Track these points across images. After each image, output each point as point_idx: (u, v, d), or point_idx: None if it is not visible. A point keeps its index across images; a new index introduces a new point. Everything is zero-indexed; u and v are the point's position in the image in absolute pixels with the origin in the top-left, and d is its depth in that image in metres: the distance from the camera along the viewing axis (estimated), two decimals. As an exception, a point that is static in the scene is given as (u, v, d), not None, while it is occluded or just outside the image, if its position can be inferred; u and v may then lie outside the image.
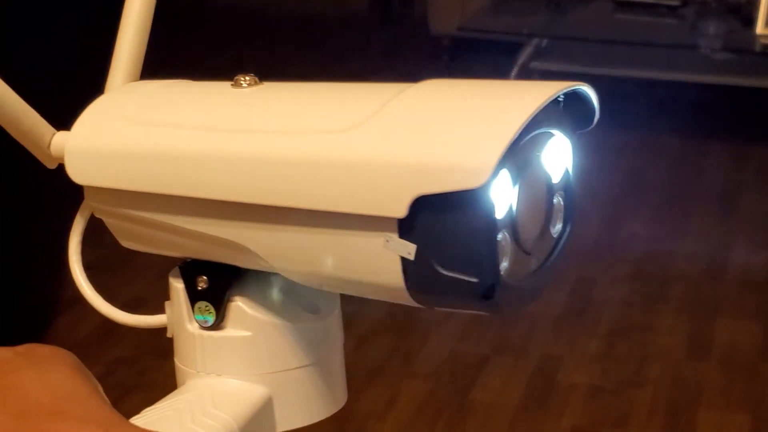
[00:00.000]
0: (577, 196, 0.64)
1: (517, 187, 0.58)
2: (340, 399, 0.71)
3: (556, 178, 0.63)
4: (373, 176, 0.57)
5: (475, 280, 0.56)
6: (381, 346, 2.28)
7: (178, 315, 0.69)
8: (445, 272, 0.56)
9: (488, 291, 0.57)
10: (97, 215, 0.69)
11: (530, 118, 0.56)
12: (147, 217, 0.66)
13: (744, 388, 2.13)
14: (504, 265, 0.58)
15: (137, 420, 0.64)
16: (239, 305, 0.67)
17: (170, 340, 0.72)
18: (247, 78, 0.67)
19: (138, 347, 2.23)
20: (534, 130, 0.58)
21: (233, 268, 0.67)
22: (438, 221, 0.56)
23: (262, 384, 0.67)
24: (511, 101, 0.59)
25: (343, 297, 0.71)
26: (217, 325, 0.67)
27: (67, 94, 1.70)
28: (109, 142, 0.66)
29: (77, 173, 0.67)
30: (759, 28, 3.22)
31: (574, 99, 0.61)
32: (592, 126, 0.63)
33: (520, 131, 0.55)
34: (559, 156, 0.62)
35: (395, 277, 0.58)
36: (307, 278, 0.64)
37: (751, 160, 3.16)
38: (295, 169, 0.59)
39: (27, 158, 0.74)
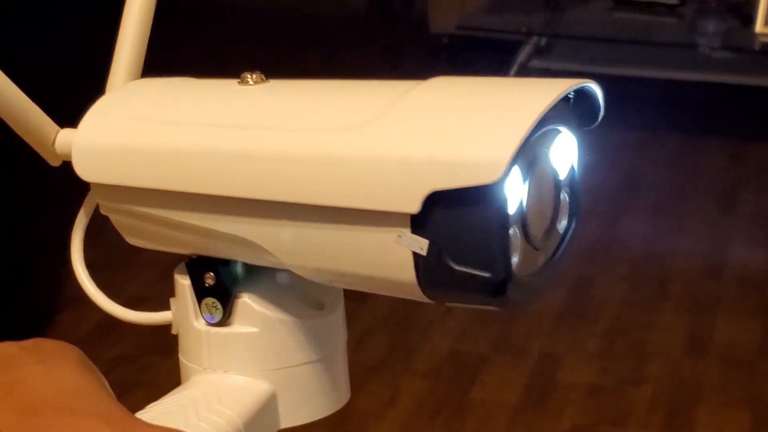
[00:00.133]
0: (583, 192, 0.65)
1: (527, 182, 0.59)
2: (344, 396, 0.71)
3: (562, 174, 0.63)
4: (387, 172, 0.57)
5: (487, 275, 0.57)
6: (380, 344, 2.28)
7: (184, 311, 0.69)
8: (457, 267, 0.57)
9: (500, 286, 0.57)
10: (104, 212, 0.69)
11: (543, 115, 0.56)
12: (156, 214, 0.66)
13: (743, 386, 2.14)
14: (514, 260, 0.58)
15: (142, 415, 0.64)
16: (246, 301, 0.67)
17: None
18: (254, 75, 0.67)
19: (138, 345, 2.24)
20: (544, 127, 0.59)
21: (240, 264, 0.67)
22: (451, 216, 0.56)
23: (267, 380, 0.68)
24: (522, 97, 0.60)
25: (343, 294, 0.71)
26: (224, 322, 0.68)
27: (67, 93, 1.70)
28: (118, 139, 0.66)
29: (85, 170, 0.67)
30: (758, 27, 3.22)
31: (579, 96, 0.62)
32: (597, 123, 0.63)
33: (532, 128, 0.56)
34: (565, 152, 0.63)
35: (407, 272, 0.58)
36: (317, 274, 0.64)
37: (749, 158, 3.17)
38: (309, 166, 0.60)
39: (28, 156, 0.74)
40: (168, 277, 0.71)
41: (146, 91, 0.70)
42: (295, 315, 0.68)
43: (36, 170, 0.84)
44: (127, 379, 2.11)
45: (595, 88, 0.62)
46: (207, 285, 0.67)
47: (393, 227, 0.58)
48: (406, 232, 0.57)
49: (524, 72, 3.37)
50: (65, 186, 0.74)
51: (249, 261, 0.67)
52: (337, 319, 0.70)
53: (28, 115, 0.69)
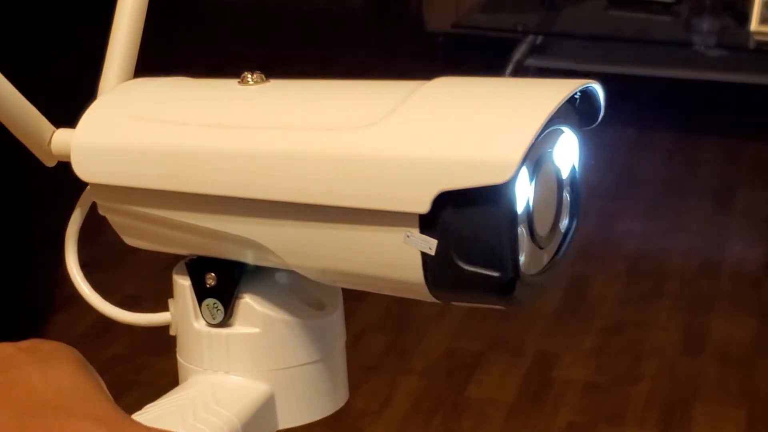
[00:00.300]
0: (583, 192, 0.65)
1: (533, 182, 0.59)
2: (342, 397, 0.71)
3: (565, 173, 0.64)
4: (396, 172, 0.57)
5: (496, 274, 0.57)
6: (376, 343, 2.28)
7: (184, 312, 0.69)
8: (466, 267, 0.57)
9: (508, 285, 0.57)
10: (102, 213, 0.69)
11: (551, 115, 0.57)
12: (157, 214, 0.66)
13: (739, 384, 2.14)
14: (522, 259, 0.59)
15: (139, 416, 0.64)
16: (248, 302, 0.67)
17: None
18: (254, 75, 0.66)
19: (133, 345, 2.23)
20: (549, 127, 0.59)
21: (241, 265, 0.67)
22: (461, 216, 0.56)
23: (266, 381, 0.67)
24: (531, 98, 0.60)
25: (340, 294, 0.71)
26: (224, 322, 0.67)
27: (66, 93, 1.69)
28: (118, 138, 0.66)
29: (84, 171, 0.67)
30: (753, 25, 3.22)
31: (581, 96, 0.62)
32: (597, 123, 0.63)
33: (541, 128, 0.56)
34: (568, 152, 0.63)
35: (414, 272, 0.58)
36: (322, 274, 0.64)
37: (745, 156, 3.17)
38: (317, 166, 0.59)
39: (27, 156, 0.73)
40: (161, 277, 0.70)
41: (146, 91, 0.70)
42: (296, 315, 0.67)
43: (35, 170, 0.84)
44: (123, 379, 2.11)
45: (597, 88, 0.62)
46: (208, 286, 0.67)
47: (401, 227, 0.58)
48: (415, 231, 0.57)
49: (520, 70, 3.37)
50: (63, 186, 0.74)
51: (251, 261, 0.66)
52: (337, 319, 0.70)
53: (24, 115, 0.68)
